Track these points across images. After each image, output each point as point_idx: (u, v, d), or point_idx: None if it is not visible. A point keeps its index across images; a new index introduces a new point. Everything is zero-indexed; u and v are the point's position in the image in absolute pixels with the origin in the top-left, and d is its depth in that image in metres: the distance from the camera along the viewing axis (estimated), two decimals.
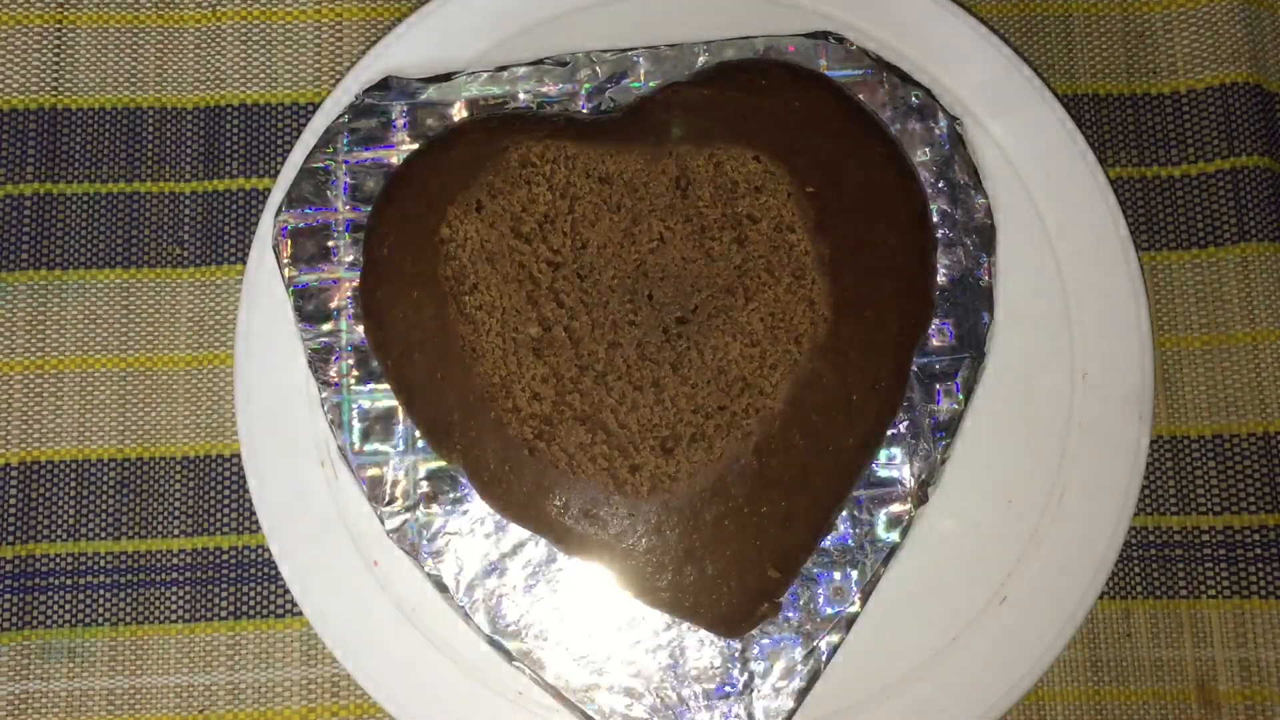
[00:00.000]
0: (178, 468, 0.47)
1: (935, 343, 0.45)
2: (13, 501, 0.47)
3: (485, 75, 0.46)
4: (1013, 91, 0.47)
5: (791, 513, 0.42)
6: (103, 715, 0.46)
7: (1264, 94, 0.49)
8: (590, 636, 0.43)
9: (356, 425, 0.44)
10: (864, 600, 0.43)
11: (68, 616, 0.46)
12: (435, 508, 0.44)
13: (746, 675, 0.43)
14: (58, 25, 0.50)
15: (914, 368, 0.44)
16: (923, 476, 0.44)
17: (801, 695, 0.42)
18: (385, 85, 0.46)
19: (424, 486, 0.44)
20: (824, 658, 0.43)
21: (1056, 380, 0.46)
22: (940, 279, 0.45)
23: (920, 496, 0.44)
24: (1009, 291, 0.46)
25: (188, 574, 0.47)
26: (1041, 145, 0.46)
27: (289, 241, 0.45)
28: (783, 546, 0.42)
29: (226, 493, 0.47)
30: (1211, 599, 0.47)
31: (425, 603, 0.44)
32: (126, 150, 0.49)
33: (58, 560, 0.47)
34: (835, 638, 0.43)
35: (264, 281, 0.45)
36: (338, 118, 0.46)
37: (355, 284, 0.45)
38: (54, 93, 0.50)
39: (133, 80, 0.50)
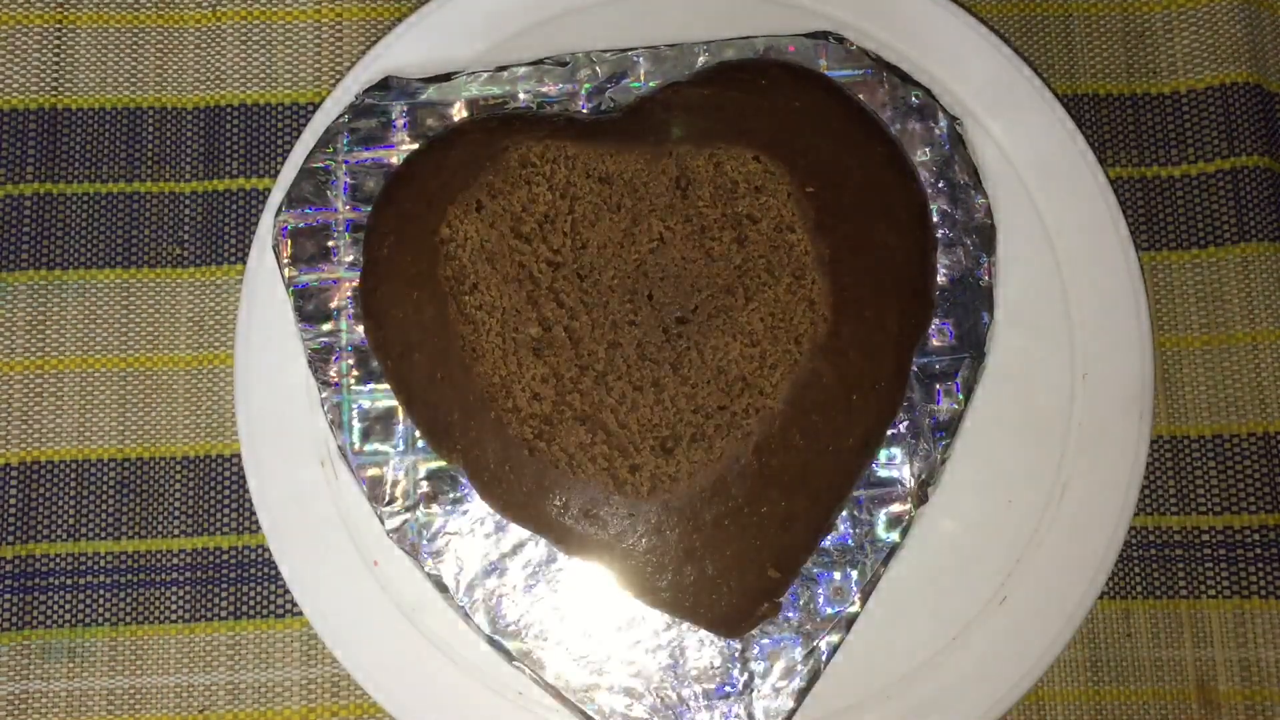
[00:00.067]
0: (178, 468, 0.47)
1: (935, 343, 0.45)
2: (13, 501, 0.47)
3: (485, 75, 0.46)
4: (1013, 91, 0.47)
5: (791, 513, 0.42)
6: (103, 715, 0.46)
7: (1264, 94, 0.49)
8: (590, 636, 0.43)
9: (356, 425, 0.44)
10: (864, 600, 0.43)
11: (68, 616, 0.46)
12: (435, 508, 0.44)
13: (746, 675, 0.43)
14: (58, 25, 0.50)
15: (914, 368, 0.44)
16: (923, 476, 0.44)
17: (801, 695, 0.42)
18: (385, 85, 0.46)
19: (424, 486, 0.44)
20: (824, 658, 0.43)
21: (1056, 380, 0.46)
22: (940, 279, 0.45)
23: (920, 496, 0.44)
24: (1009, 291, 0.46)
25: (188, 574, 0.47)
26: (1041, 145, 0.46)
27: (289, 241, 0.45)
28: (783, 546, 0.42)
29: (226, 493, 0.47)
30: (1211, 599, 0.47)
31: (425, 603, 0.44)
32: (126, 150, 0.49)
33: (58, 560, 0.47)
34: (835, 638, 0.43)
35: (264, 281, 0.45)
36: (338, 118, 0.46)
37: (355, 284, 0.45)
38: (54, 93, 0.50)
39: (133, 80, 0.50)
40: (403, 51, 0.47)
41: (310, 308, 0.45)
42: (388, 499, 0.44)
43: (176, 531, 0.47)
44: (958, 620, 0.44)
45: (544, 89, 0.46)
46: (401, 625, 0.44)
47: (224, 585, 0.47)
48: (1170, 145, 0.50)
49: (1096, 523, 0.44)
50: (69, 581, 0.47)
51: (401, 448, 0.44)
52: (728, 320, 0.43)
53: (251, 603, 0.47)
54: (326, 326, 0.45)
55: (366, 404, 0.44)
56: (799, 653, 0.43)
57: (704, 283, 0.43)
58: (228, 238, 0.49)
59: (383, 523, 0.44)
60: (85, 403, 0.48)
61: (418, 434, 0.44)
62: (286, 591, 0.47)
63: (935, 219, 0.45)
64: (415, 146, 0.46)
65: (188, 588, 0.47)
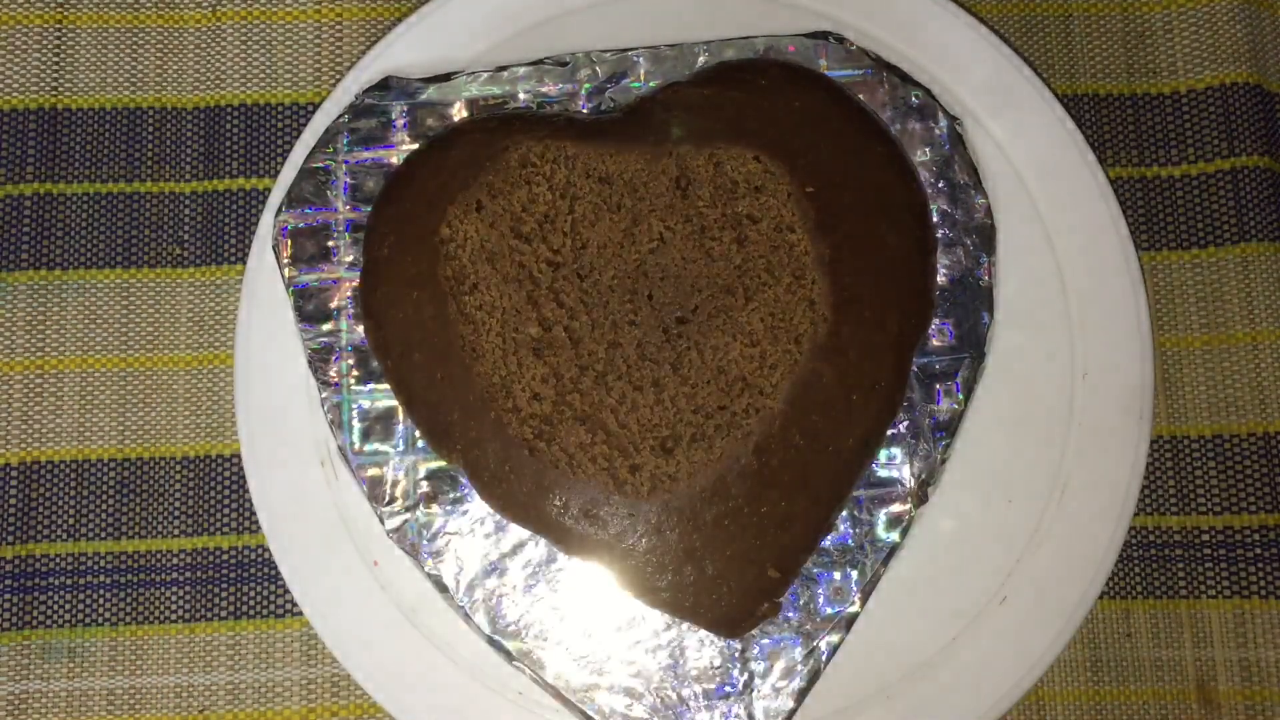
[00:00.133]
0: (178, 468, 0.47)
1: (935, 343, 0.45)
2: (13, 501, 0.47)
3: (485, 75, 0.46)
4: (1013, 91, 0.47)
5: (791, 513, 0.42)
6: (103, 715, 0.46)
7: (1264, 94, 0.49)
8: (590, 636, 0.43)
9: (356, 425, 0.44)
10: (864, 600, 0.43)
11: (68, 616, 0.46)
12: (435, 508, 0.44)
13: (746, 675, 0.43)
14: (58, 25, 0.50)
15: (914, 368, 0.44)
16: (923, 476, 0.44)
17: (801, 695, 0.42)
18: (385, 85, 0.46)
19: (424, 486, 0.44)
20: (824, 658, 0.43)
21: (1056, 380, 0.46)
22: (940, 279, 0.45)
23: (920, 496, 0.44)
24: (1009, 291, 0.46)
25: (188, 574, 0.47)
26: (1041, 145, 0.46)
27: (289, 241, 0.45)
28: (783, 546, 0.42)
29: (226, 493, 0.47)
30: (1211, 599, 0.47)
31: (425, 603, 0.44)
32: (126, 150, 0.49)
33: (58, 560, 0.47)
34: (835, 638, 0.43)
35: (264, 281, 0.45)
36: (338, 118, 0.46)
37: (355, 284, 0.45)
38: (54, 93, 0.50)
39: (133, 80, 0.50)
40: (403, 51, 0.47)
41: (310, 308, 0.45)
42: (388, 499, 0.44)
43: (176, 531, 0.47)
44: (958, 620, 0.44)
45: (544, 89, 0.46)
46: (401, 625, 0.44)
47: (224, 585, 0.47)
48: (1170, 145, 0.50)
49: (1096, 523, 0.44)
50: (69, 581, 0.47)
51: (401, 448, 0.44)
52: (728, 320, 0.43)
53: (251, 603, 0.47)
54: (326, 326, 0.45)
55: (366, 404, 0.44)
56: (799, 653, 0.43)
57: (704, 283, 0.43)
58: (228, 238, 0.49)
59: (383, 523, 0.44)
60: (85, 403, 0.48)
61: (418, 434, 0.44)
62: (286, 591, 0.47)
63: (935, 219, 0.45)
64: (415, 146, 0.46)
65: (188, 588, 0.47)
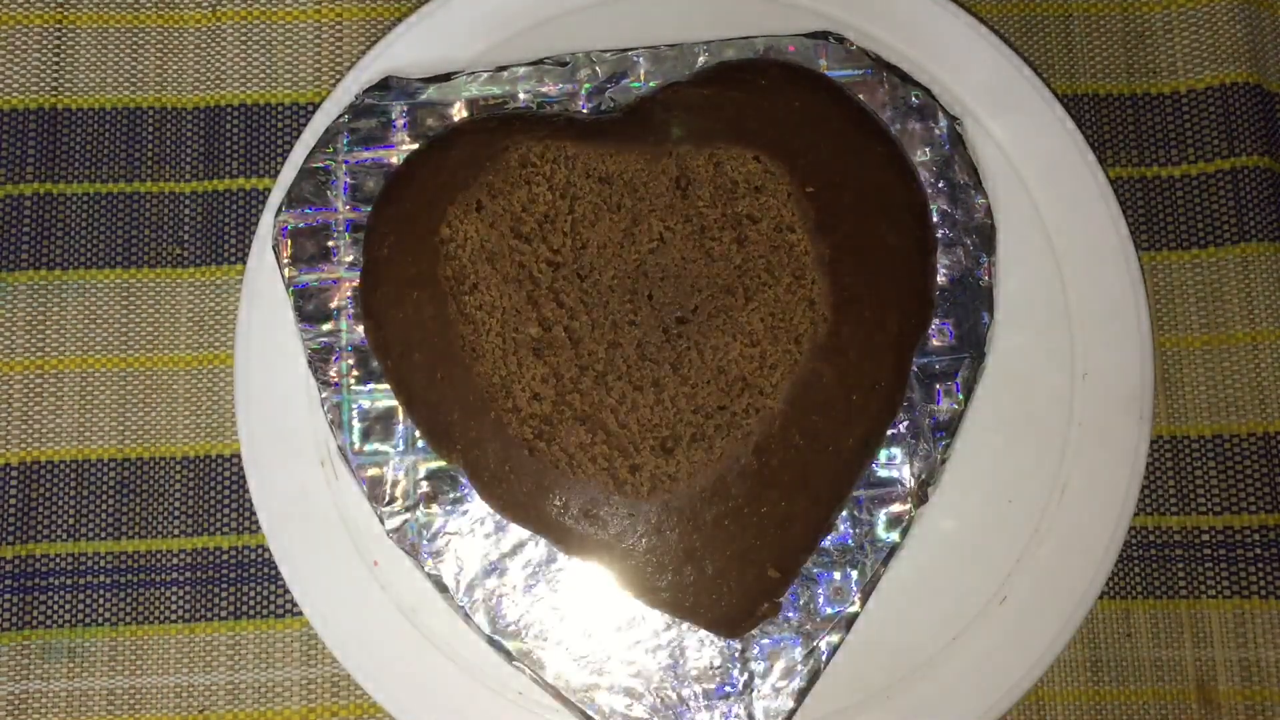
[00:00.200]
0: (178, 468, 0.47)
1: (935, 343, 0.45)
2: (13, 501, 0.47)
3: (485, 75, 0.46)
4: (1013, 91, 0.47)
5: (791, 513, 0.42)
6: (103, 715, 0.46)
7: (1264, 94, 0.49)
8: (590, 636, 0.43)
9: (356, 425, 0.44)
10: (864, 600, 0.43)
11: (68, 616, 0.46)
12: (435, 508, 0.44)
13: (746, 675, 0.43)
14: (58, 25, 0.50)
15: (914, 368, 0.44)
16: (923, 476, 0.44)
17: (801, 695, 0.42)
18: (385, 85, 0.46)
19: (424, 486, 0.44)
20: (824, 658, 0.43)
21: (1056, 380, 0.46)
22: (940, 279, 0.45)
23: (920, 496, 0.44)
24: (1009, 291, 0.46)
25: (188, 574, 0.47)
26: (1041, 145, 0.46)
27: (289, 241, 0.45)
28: (783, 546, 0.42)
29: (226, 493, 0.47)
30: (1211, 599, 0.47)
31: (425, 603, 0.44)
32: (126, 150, 0.49)
33: (58, 560, 0.47)
34: (835, 638, 0.43)
35: (264, 281, 0.45)
36: (338, 118, 0.46)
37: (355, 284, 0.45)
38: (54, 93, 0.50)
39: (133, 80, 0.50)
40: (403, 51, 0.47)
41: (310, 308, 0.45)
42: (388, 499, 0.44)
43: (176, 531, 0.47)
44: (958, 620, 0.44)
45: (544, 89, 0.46)
46: (401, 625, 0.44)
47: (224, 585, 0.47)
48: (1170, 145, 0.50)
49: (1096, 523, 0.44)
50: (69, 581, 0.47)
51: (401, 448, 0.44)
52: (728, 320, 0.43)
53: (251, 603, 0.47)
54: (326, 326, 0.45)
55: (366, 404, 0.44)
56: (799, 653, 0.43)
57: (704, 283, 0.43)
58: (228, 238, 0.49)
59: (383, 523, 0.44)
60: (85, 403, 0.48)
61: (418, 434, 0.44)
62: (286, 591, 0.47)
63: (935, 219, 0.45)
64: (415, 146, 0.46)
65: (188, 588, 0.47)
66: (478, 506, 0.43)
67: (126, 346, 0.48)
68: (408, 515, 0.44)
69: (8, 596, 0.46)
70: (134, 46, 0.50)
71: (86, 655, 0.46)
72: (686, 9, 0.47)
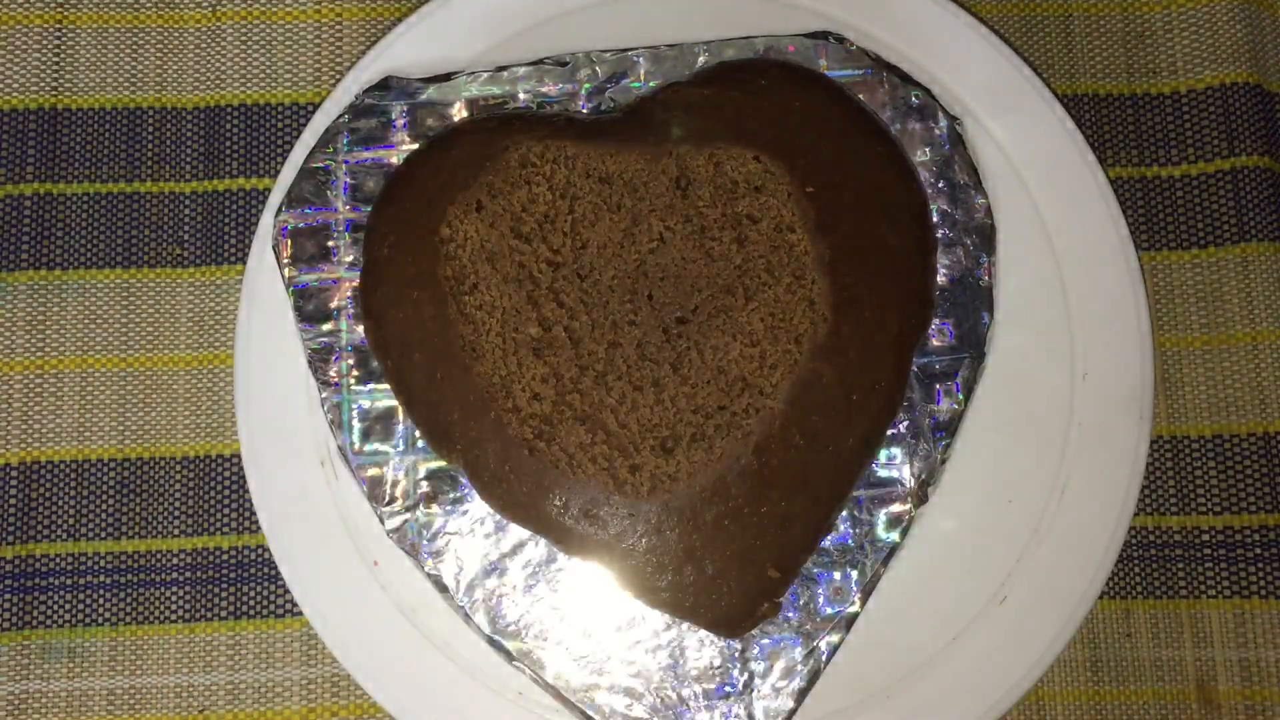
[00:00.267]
0: (178, 468, 0.47)
1: (935, 343, 0.45)
2: (13, 501, 0.47)
3: (485, 75, 0.46)
4: (1013, 91, 0.47)
5: (791, 513, 0.42)
6: (103, 715, 0.46)
7: (1264, 94, 0.49)
8: (590, 636, 0.43)
9: (356, 425, 0.44)
10: (864, 600, 0.43)
11: (68, 616, 0.46)
12: (435, 508, 0.44)
13: (746, 675, 0.43)
14: (58, 25, 0.50)
15: (914, 368, 0.44)
16: (923, 476, 0.44)
17: (801, 695, 0.42)
18: (385, 85, 0.46)
19: (424, 486, 0.44)
20: (824, 658, 0.43)
21: (1056, 380, 0.46)
22: (940, 279, 0.45)
23: (920, 496, 0.44)
24: (1009, 291, 0.46)
25: (188, 574, 0.47)
26: (1041, 145, 0.46)
27: (289, 241, 0.45)
28: (783, 546, 0.42)
29: (226, 493, 0.47)
30: (1211, 599, 0.47)
31: (425, 603, 0.44)
32: (126, 150, 0.49)
33: (58, 560, 0.47)
34: (835, 638, 0.43)
35: (264, 281, 0.45)
36: (338, 118, 0.46)
37: (355, 284, 0.45)
38: (54, 93, 0.50)
39: (133, 80, 0.50)
40: (403, 51, 0.47)
41: (310, 308, 0.45)
42: (388, 499, 0.44)
43: (176, 531, 0.47)
44: (958, 620, 0.44)
45: (544, 89, 0.46)
46: (401, 625, 0.44)
47: (224, 585, 0.47)
48: (1170, 145, 0.50)
49: (1096, 523, 0.44)
50: (69, 581, 0.47)
51: (401, 448, 0.44)
52: (728, 320, 0.43)
53: (251, 603, 0.47)
54: (326, 326, 0.45)
55: (366, 404, 0.44)
56: (799, 653, 0.43)
57: (704, 283, 0.43)
58: (228, 238, 0.49)
59: (383, 523, 0.44)
60: (85, 403, 0.48)
61: (418, 434, 0.44)
62: (286, 591, 0.47)
63: (935, 219, 0.45)
64: (415, 146, 0.46)
65: (188, 588, 0.47)
66: (478, 506, 0.43)
67: (126, 346, 0.48)
68: (408, 515, 0.44)
69: (8, 596, 0.46)
70: (134, 46, 0.50)
71: (86, 655, 0.46)
72: (686, 9, 0.47)
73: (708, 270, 0.43)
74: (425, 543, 0.43)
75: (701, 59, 0.46)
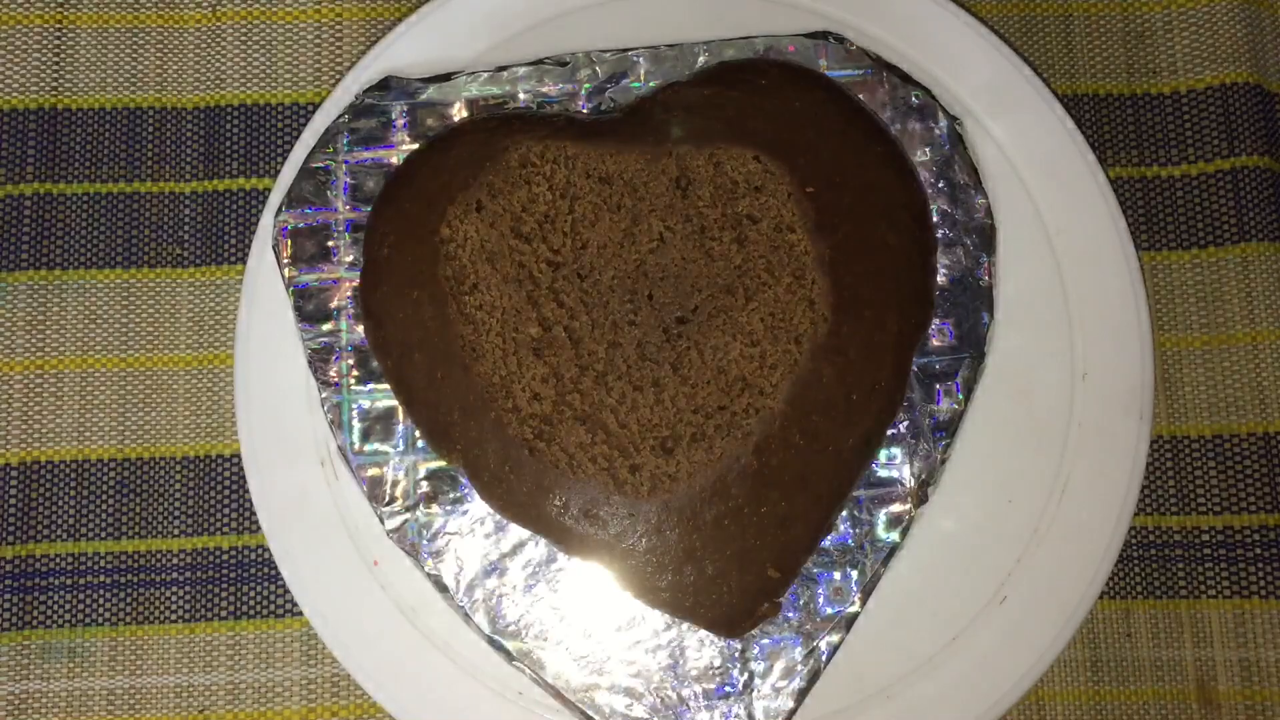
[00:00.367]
0: (178, 468, 0.47)
1: (935, 343, 0.45)
2: (13, 501, 0.47)
3: (485, 75, 0.46)
4: (1013, 91, 0.47)
5: (791, 513, 0.42)
6: (103, 715, 0.46)
7: (1264, 94, 0.49)
8: (590, 636, 0.43)
9: (356, 425, 0.44)
10: (864, 600, 0.43)
11: (68, 616, 0.46)
12: (435, 508, 0.44)
13: (746, 675, 0.43)
14: (58, 25, 0.50)
15: (914, 368, 0.44)
16: (923, 476, 0.44)
17: (801, 695, 0.42)
18: (385, 85, 0.46)
19: (424, 486, 0.44)
20: (824, 658, 0.43)
21: (1056, 380, 0.46)
22: (940, 279, 0.45)
23: (920, 496, 0.44)
24: (1009, 291, 0.46)
25: (188, 574, 0.47)
26: (1041, 145, 0.46)
27: (289, 241, 0.45)
28: (783, 546, 0.42)
29: (226, 493, 0.47)
30: (1211, 599, 0.47)
31: (425, 603, 0.44)
32: (126, 150, 0.49)
33: (58, 560, 0.47)
34: (835, 638, 0.43)
35: (264, 281, 0.45)
36: (338, 118, 0.46)
37: (355, 284, 0.45)
38: (54, 93, 0.50)
39: (133, 80, 0.50)
40: (403, 51, 0.47)
41: (310, 308, 0.45)
42: (388, 499, 0.44)
43: (176, 531, 0.47)
44: (958, 620, 0.44)
45: (544, 89, 0.46)
46: (401, 625, 0.44)
47: (224, 585, 0.47)
48: (1170, 145, 0.50)
49: (1096, 523, 0.44)
50: (69, 581, 0.47)
51: (401, 448, 0.44)
52: (728, 320, 0.43)
53: (251, 603, 0.47)
54: (326, 326, 0.45)
55: (366, 404, 0.44)
56: (799, 653, 0.43)
57: (704, 283, 0.43)
58: (228, 238, 0.49)
59: (383, 523, 0.44)
60: (85, 403, 0.48)
61: (418, 434, 0.44)
62: (286, 591, 0.47)
63: (935, 219, 0.45)
64: (415, 146, 0.46)
65: (188, 588, 0.47)
66: (478, 506, 0.43)
67: (126, 346, 0.48)
68: (408, 515, 0.44)
69: (8, 596, 0.46)
70: (134, 46, 0.50)
71: (86, 655, 0.46)
72: (686, 9, 0.47)
73: (708, 270, 0.43)
74: (425, 543, 0.43)
75: (701, 59, 0.46)
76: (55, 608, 0.46)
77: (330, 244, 0.45)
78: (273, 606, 0.47)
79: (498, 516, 0.43)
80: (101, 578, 0.47)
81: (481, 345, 0.43)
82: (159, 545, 0.47)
